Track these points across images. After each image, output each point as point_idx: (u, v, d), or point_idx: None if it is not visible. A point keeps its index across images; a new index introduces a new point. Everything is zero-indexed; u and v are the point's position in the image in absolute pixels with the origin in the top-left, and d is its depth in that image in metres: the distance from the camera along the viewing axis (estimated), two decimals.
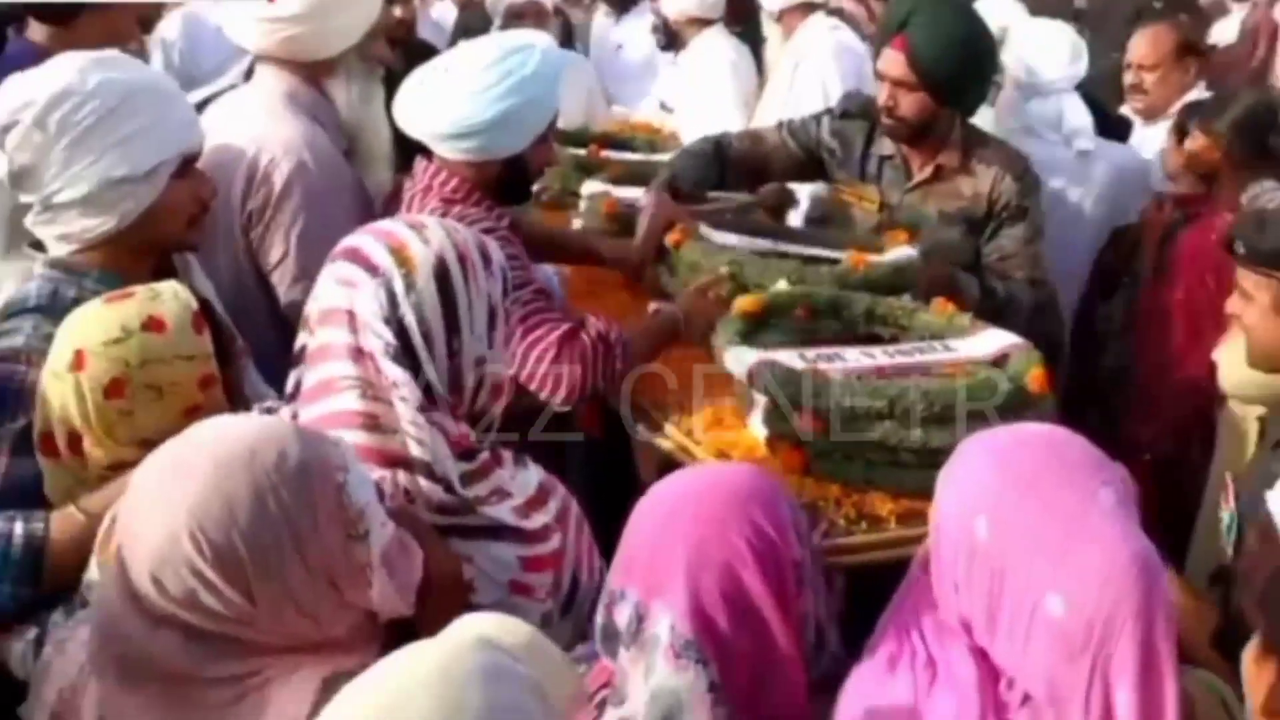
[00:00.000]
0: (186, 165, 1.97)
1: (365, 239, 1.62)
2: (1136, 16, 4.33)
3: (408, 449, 1.54)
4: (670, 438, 2.21)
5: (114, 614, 1.25)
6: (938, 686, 1.33)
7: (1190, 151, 3.10)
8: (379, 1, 2.57)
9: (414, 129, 2.32)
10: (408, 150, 2.50)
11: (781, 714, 1.39)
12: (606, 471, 2.32)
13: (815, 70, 4.02)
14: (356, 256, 1.60)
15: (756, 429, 2.14)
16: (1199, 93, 3.79)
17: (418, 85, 2.32)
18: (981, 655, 1.35)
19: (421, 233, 1.61)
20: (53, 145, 1.84)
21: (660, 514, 1.42)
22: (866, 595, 1.78)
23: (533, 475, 1.68)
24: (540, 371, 2.20)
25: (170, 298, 1.66)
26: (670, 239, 2.65)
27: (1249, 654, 1.22)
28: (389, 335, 1.54)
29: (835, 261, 2.60)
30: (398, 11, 3.45)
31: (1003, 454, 1.36)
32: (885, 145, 3.00)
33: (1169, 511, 2.47)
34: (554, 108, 2.40)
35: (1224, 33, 8.06)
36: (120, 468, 1.61)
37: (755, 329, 2.26)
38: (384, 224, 1.68)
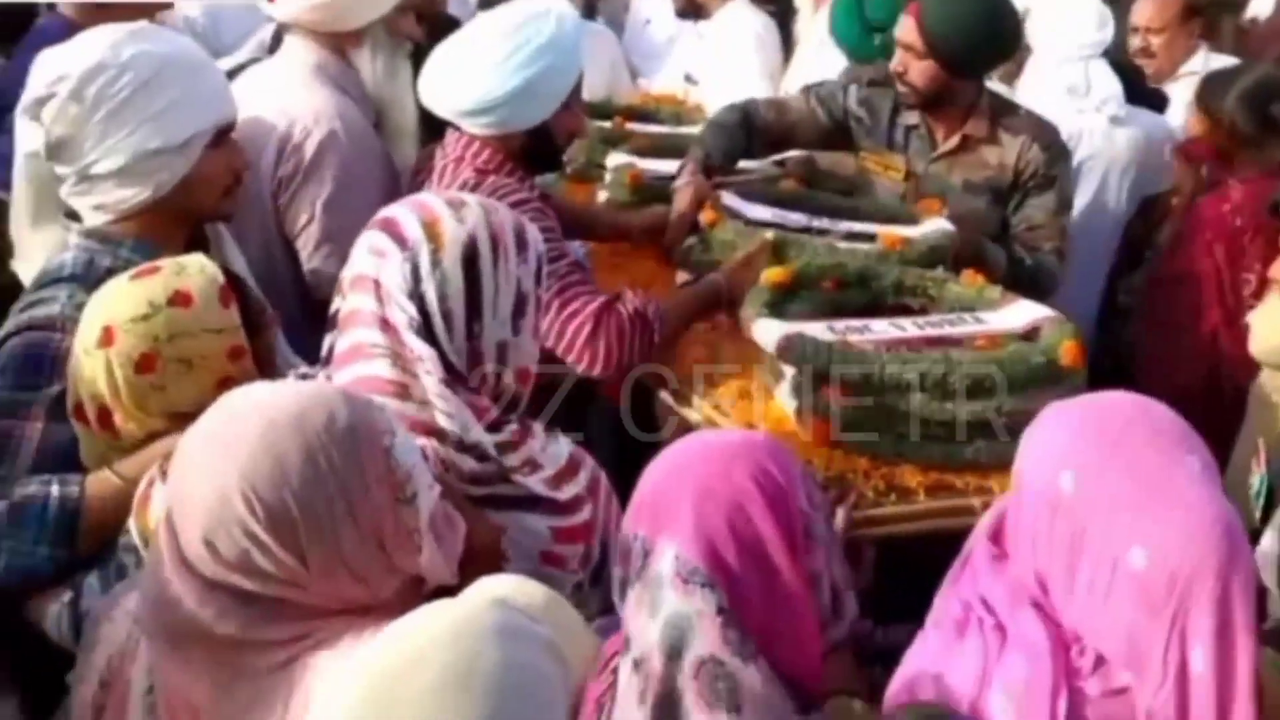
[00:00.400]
0: (221, 136, 1.99)
1: (402, 210, 1.63)
2: None
3: (436, 420, 1.55)
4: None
5: (164, 579, 1.25)
6: (1008, 650, 1.34)
7: (1200, 135, 3.12)
8: None
9: (438, 107, 2.33)
10: (434, 126, 2.50)
11: (794, 663, 1.39)
12: (630, 439, 2.32)
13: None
14: (390, 227, 1.60)
15: (785, 401, 2.14)
16: (1204, 55, 3.85)
17: (439, 62, 2.32)
18: (1053, 622, 1.36)
19: (459, 211, 1.61)
20: (89, 117, 1.85)
21: (669, 462, 1.43)
22: (895, 568, 1.80)
23: (563, 447, 1.68)
24: (578, 344, 2.21)
25: (196, 272, 1.67)
26: (705, 219, 2.64)
27: None
28: (412, 309, 1.55)
29: (871, 237, 2.59)
30: None
31: (1089, 415, 1.38)
32: (912, 115, 2.98)
33: None
34: (574, 73, 2.37)
35: (1262, 5, 7.95)
36: (154, 438, 1.63)
37: (783, 300, 2.25)
38: (424, 196, 1.68)
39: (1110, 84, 3.51)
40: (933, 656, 1.40)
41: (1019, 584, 1.40)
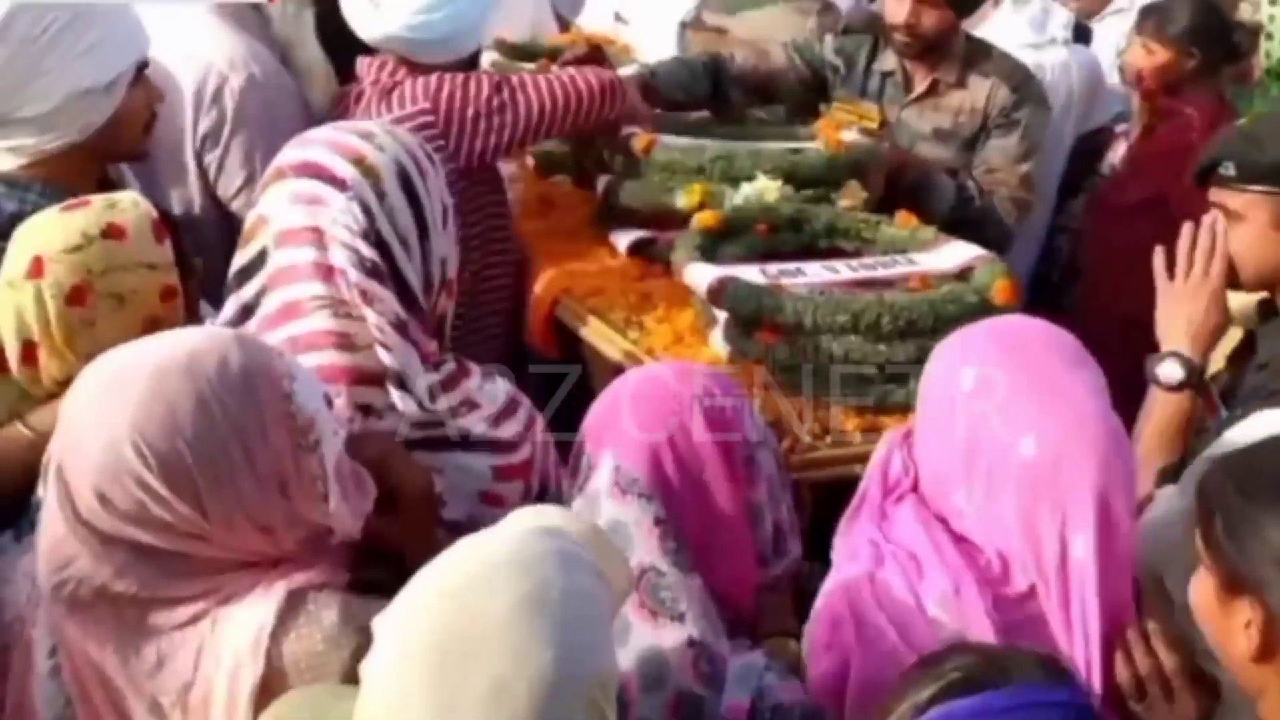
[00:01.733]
0: (138, 72, 1.94)
1: (316, 150, 1.55)
2: None
3: (380, 362, 1.49)
4: (629, 353, 2.17)
5: (59, 536, 1.20)
6: (928, 571, 1.37)
7: (1157, 64, 3.11)
8: None
9: (374, 35, 2.37)
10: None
11: (728, 589, 1.40)
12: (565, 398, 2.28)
13: None
14: (315, 171, 1.53)
15: (718, 345, 2.11)
16: None
17: None
18: (958, 536, 1.39)
19: (373, 140, 1.55)
20: (14, 61, 1.79)
21: (617, 386, 1.47)
22: (831, 509, 1.78)
23: (500, 386, 1.65)
24: (575, 89, 2.45)
25: (130, 205, 1.61)
26: (638, 145, 2.57)
27: (1200, 594, 1.22)
28: (365, 249, 1.48)
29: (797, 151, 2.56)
30: None
31: (993, 328, 1.46)
32: (888, 61, 2.93)
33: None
34: (491, 11, 2.48)
35: None
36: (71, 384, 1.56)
37: (715, 244, 2.23)
38: (329, 133, 1.60)
39: (1063, 14, 3.55)
40: (856, 587, 1.39)
41: (920, 505, 1.44)
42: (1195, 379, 1.78)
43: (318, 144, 1.57)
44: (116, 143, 1.94)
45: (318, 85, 2.50)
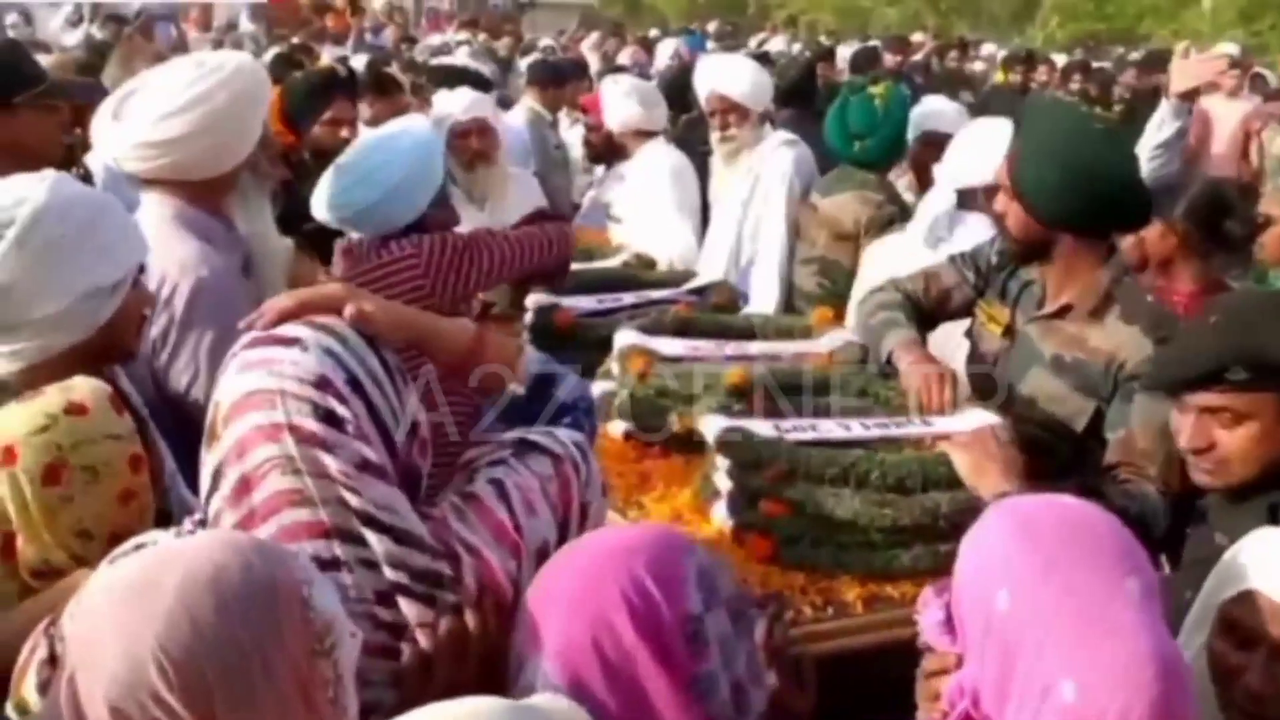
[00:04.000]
0: (136, 275, 1.97)
1: (266, 334, 1.51)
2: None
3: (344, 515, 1.42)
4: None
5: None
6: None
7: (1148, 240, 3.16)
8: (260, 116, 2.54)
9: (323, 217, 2.73)
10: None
11: None
12: None
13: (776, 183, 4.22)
14: (264, 340, 1.49)
15: (720, 519, 2.10)
16: None
17: (322, 183, 2.76)
18: None
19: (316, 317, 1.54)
20: (36, 266, 1.79)
21: (550, 570, 1.38)
22: (839, 682, 1.74)
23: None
24: (535, 240, 2.82)
25: (83, 384, 1.64)
26: (633, 369, 2.48)
27: None
28: (319, 396, 1.42)
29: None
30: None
31: (1028, 526, 1.31)
32: (1033, 269, 2.62)
33: None
34: (435, 177, 2.78)
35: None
36: (49, 574, 1.55)
37: (736, 401, 2.26)
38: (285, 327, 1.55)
39: None
40: None
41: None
42: None
43: (269, 331, 1.52)
44: (112, 343, 1.93)
45: (278, 274, 2.58)
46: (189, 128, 2.36)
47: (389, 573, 1.43)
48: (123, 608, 1.14)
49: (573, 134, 5.98)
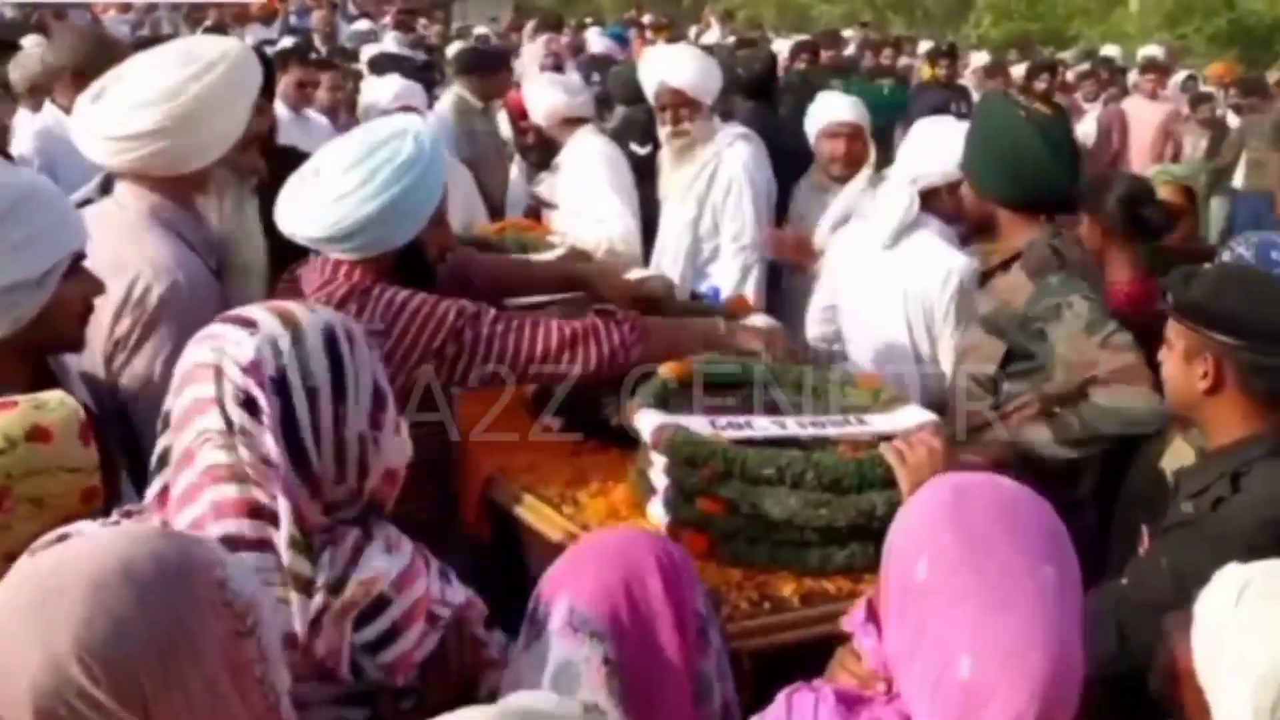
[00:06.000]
0: (74, 263, 1.91)
1: (235, 312, 1.54)
2: None
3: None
4: (564, 530, 2.14)
5: None
6: None
7: (1084, 235, 3.28)
8: (245, 112, 2.40)
9: (300, 234, 2.25)
10: (280, 260, 2.43)
11: None
12: (496, 577, 2.23)
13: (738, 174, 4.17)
14: (225, 319, 1.51)
15: (656, 516, 2.09)
16: None
17: (298, 190, 2.25)
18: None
19: (307, 306, 1.55)
20: None
21: (580, 543, 1.52)
22: (776, 677, 1.74)
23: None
24: (554, 345, 2.27)
25: (57, 405, 1.59)
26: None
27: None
28: (242, 381, 1.43)
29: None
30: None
31: (959, 501, 1.33)
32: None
33: None
34: (438, 190, 2.31)
35: (1085, 131, 8.72)
36: None
37: (675, 395, 2.22)
38: (251, 306, 1.58)
39: None
40: None
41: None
42: None
43: (240, 310, 1.55)
44: (49, 335, 1.89)
45: (253, 284, 2.43)
46: (157, 123, 2.24)
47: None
48: (33, 614, 1.13)
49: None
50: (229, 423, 1.44)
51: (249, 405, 1.44)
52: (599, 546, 1.48)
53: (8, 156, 3.24)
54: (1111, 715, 1.75)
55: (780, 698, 1.38)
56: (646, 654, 1.37)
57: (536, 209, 4.64)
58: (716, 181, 4.17)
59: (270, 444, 1.44)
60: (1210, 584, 1.42)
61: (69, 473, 1.56)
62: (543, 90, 4.48)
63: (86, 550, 1.18)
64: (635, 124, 4.97)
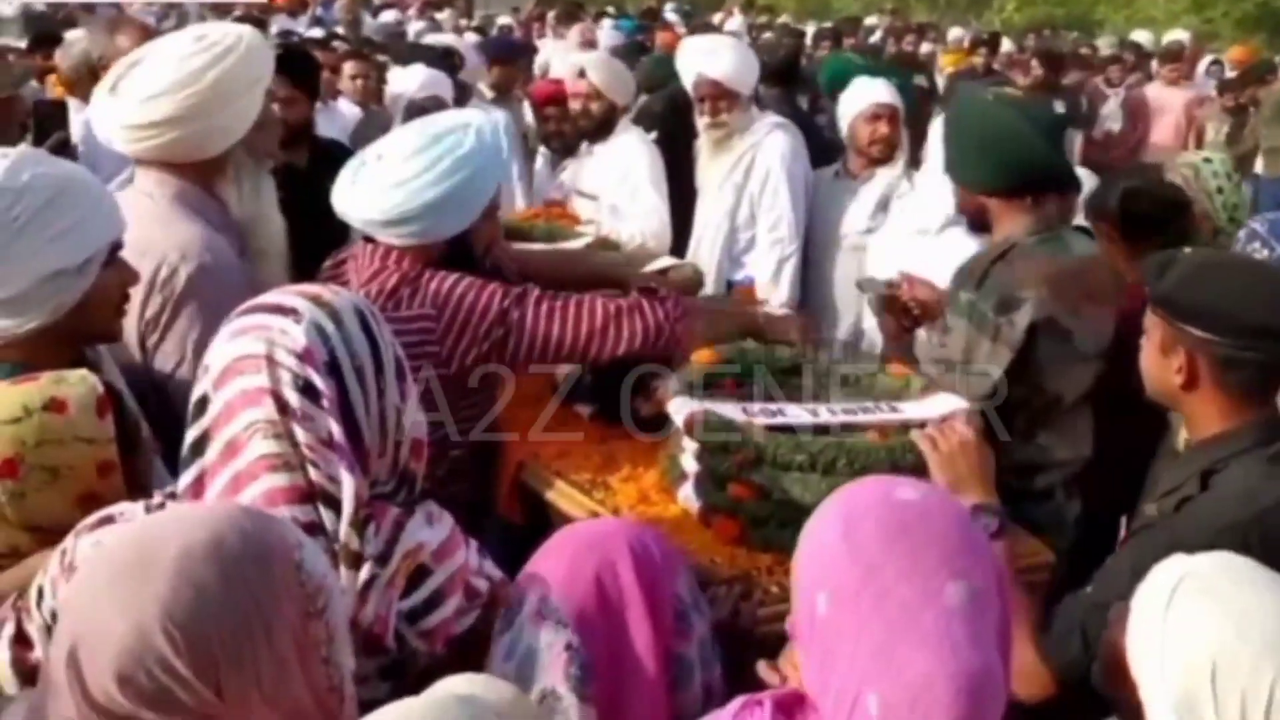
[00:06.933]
0: (112, 253, 1.93)
1: (266, 299, 1.56)
2: None
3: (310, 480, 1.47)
4: (594, 514, 2.16)
5: (65, 718, 1.16)
6: None
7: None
8: (259, 96, 2.43)
9: (356, 217, 2.30)
10: (305, 243, 2.48)
11: None
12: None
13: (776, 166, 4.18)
14: (261, 308, 1.53)
15: (688, 500, 2.11)
16: None
17: (357, 172, 2.30)
18: None
19: (327, 289, 1.58)
20: None
21: (557, 535, 1.52)
22: None
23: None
24: (599, 322, 2.29)
25: (76, 381, 1.62)
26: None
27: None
28: (299, 367, 1.47)
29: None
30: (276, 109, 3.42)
31: (852, 529, 1.24)
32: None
33: None
34: (494, 184, 2.36)
35: (1109, 115, 8.66)
36: (12, 555, 1.54)
37: (709, 383, 2.23)
38: (274, 293, 1.60)
39: None
40: None
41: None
42: (1004, 517, 1.98)
43: (266, 297, 1.57)
44: (88, 324, 1.91)
45: (273, 267, 2.47)
46: (174, 111, 2.27)
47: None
48: (123, 582, 1.16)
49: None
50: (284, 409, 1.46)
51: (308, 390, 1.47)
52: (574, 537, 1.50)
53: (69, 149, 3.25)
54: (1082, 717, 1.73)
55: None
56: (615, 640, 1.39)
57: (559, 200, 4.65)
58: (754, 172, 4.18)
59: (333, 425, 1.47)
60: (1150, 575, 1.40)
61: (83, 443, 1.59)
62: (620, 72, 4.60)
63: (177, 522, 1.21)
64: (648, 113, 5.02)
